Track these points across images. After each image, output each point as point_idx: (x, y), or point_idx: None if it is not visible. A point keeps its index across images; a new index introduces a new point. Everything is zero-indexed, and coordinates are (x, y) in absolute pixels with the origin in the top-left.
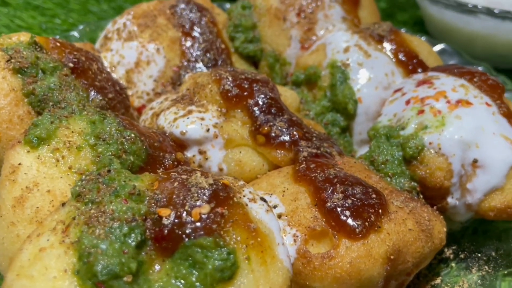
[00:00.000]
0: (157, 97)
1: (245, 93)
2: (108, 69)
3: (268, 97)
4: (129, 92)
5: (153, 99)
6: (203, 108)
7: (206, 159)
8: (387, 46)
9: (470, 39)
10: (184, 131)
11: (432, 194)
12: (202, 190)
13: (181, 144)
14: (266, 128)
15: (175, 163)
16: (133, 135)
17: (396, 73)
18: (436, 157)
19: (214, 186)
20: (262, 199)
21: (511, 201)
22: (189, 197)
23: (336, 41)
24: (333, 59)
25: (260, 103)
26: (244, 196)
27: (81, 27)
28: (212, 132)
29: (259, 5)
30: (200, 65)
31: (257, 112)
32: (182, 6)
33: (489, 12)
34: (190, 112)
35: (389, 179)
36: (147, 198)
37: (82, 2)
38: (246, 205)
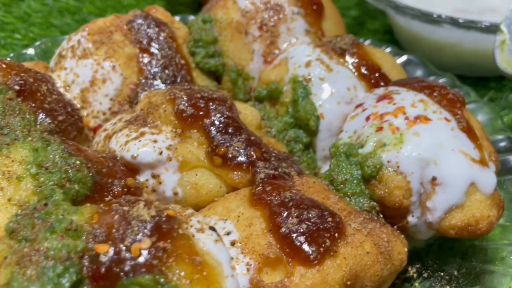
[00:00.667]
0: (114, 116)
1: (200, 113)
2: (62, 89)
3: (225, 116)
4: (84, 112)
5: (109, 118)
6: (157, 130)
7: (160, 183)
8: (349, 59)
9: (437, 48)
10: (135, 154)
11: (392, 214)
12: (143, 223)
13: (133, 168)
14: (222, 149)
15: (125, 189)
16: (78, 162)
17: (359, 87)
18: (394, 175)
19: (157, 218)
20: (211, 228)
21: (471, 218)
22: (129, 231)
23: (297, 55)
24: (294, 74)
25: (217, 122)
26: (191, 226)
27: (37, 43)
28: (165, 155)
29: (220, 19)
30: (158, 82)
31: (214, 132)
32: (140, 21)
33: (453, 22)
34: (142, 134)
35: (348, 199)
36: (85, 233)
37: (45, 15)
38: (193, 236)
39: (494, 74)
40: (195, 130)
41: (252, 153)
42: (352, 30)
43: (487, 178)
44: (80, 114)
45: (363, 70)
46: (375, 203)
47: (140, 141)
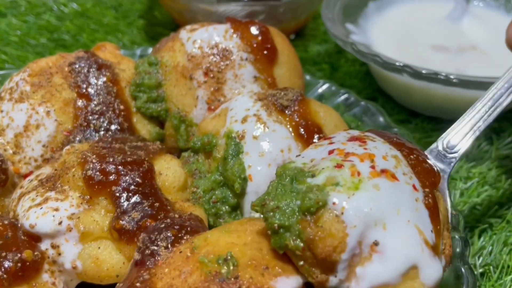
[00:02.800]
0: (46, 163)
1: (109, 179)
2: None
3: (135, 183)
4: (17, 158)
5: (41, 165)
6: (63, 195)
7: (59, 254)
8: (289, 117)
9: (407, 89)
10: (33, 223)
11: (315, 261)
12: None
13: (35, 236)
14: (120, 222)
15: (18, 264)
16: None
17: (294, 148)
18: (334, 221)
19: None
20: None
21: None
22: None
23: (237, 107)
24: (230, 128)
25: (125, 191)
26: None
27: None
28: (65, 225)
29: (166, 62)
30: (91, 130)
31: (121, 200)
32: (82, 63)
33: (414, 73)
34: (46, 200)
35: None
36: None
37: (23, 34)
38: None
39: None
40: (103, 197)
41: (143, 224)
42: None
43: (433, 269)
44: (4, 165)
45: (301, 131)
46: (301, 244)
47: (41, 208)
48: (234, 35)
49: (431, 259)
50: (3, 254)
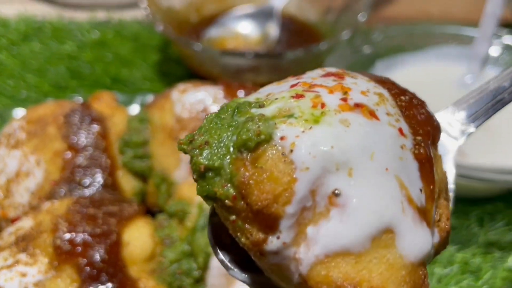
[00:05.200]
0: (33, 211)
1: (76, 250)
2: None
3: (100, 259)
4: (7, 202)
5: (28, 212)
6: (32, 259)
7: None
8: None
9: None
10: (1, 286)
11: (250, 214)
12: None
13: None
14: None
15: None
16: None
17: None
18: (279, 161)
19: None
20: None
21: (364, 284)
22: None
23: None
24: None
25: (89, 265)
26: None
27: None
28: None
29: (156, 121)
30: (74, 184)
31: (85, 274)
32: (75, 115)
33: None
34: (17, 262)
35: None
36: None
37: (44, 61)
38: None
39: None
40: (69, 266)
41: None
42: None
43: (419, 238)
44: None
45: None
46: (231, 191)
47: (11, 271)
48: (224, 100)
49: (414, 224)
50: None
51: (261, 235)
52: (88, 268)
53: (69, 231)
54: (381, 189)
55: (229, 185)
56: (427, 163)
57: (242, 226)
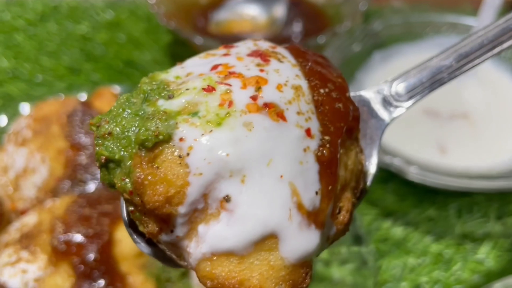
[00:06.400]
0: (40, 204)
1: (71, 250)
2: None
3: (93, 258)
4: (16, 195)
5: (35, 204)
6: (33, 257)
7: None
8: None
9: None
10: (5, 281)
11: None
12: None
13: None
14: None
15: None
16: None
17: None
18: (174, 163)
19: None
20: None
21: (243, 281)
22: None
23: None
24: None
25: (83, 263)
26: None
27: None
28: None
29: None
30: (76, 181)
31: (79, 271)
32: (77, 115)
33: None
34: (19, 260)
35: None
36: None
37: (60, 42)
38: None
39: None
40: (66, 263)
41: None
42: None
43: (302, 242)
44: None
45: None
46: (129, 186)
47: (14, 267)
48: None
49: (301, 229)
50: None
51: (156, 228)
52: (82, 266)
53: (65, 232)
54: (271, 197)
55: (127, 180)
56: (330, 163)
57: (139, 217)
